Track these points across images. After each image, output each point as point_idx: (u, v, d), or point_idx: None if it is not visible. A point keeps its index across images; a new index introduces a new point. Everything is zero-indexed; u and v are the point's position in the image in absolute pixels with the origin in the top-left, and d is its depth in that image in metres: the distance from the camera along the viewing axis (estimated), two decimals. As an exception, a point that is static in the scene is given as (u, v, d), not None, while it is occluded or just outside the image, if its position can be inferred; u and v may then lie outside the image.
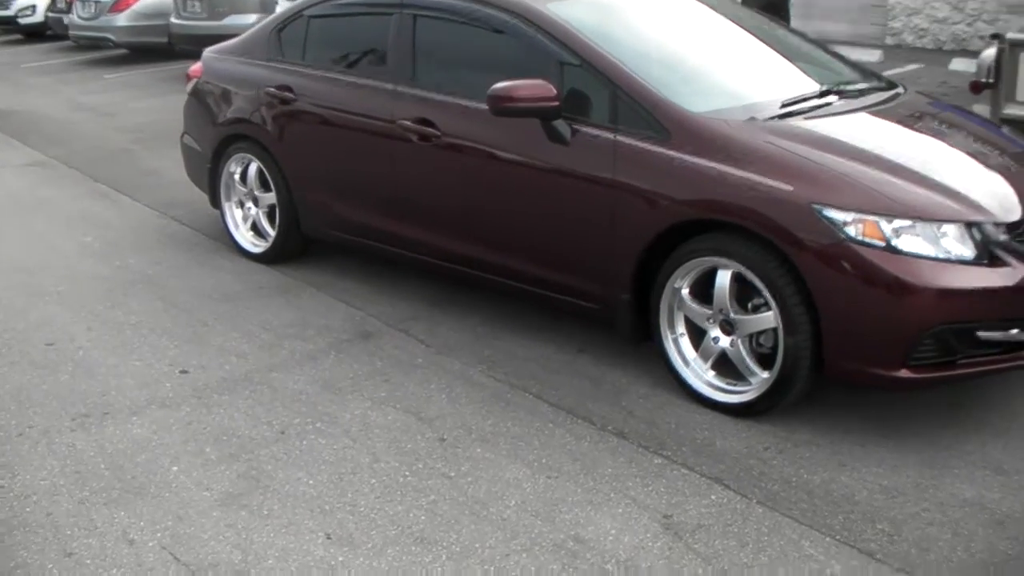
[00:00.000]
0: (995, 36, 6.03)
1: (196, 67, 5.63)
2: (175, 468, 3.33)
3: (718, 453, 3.44)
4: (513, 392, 3.90)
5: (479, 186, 4.24)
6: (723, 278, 3.58)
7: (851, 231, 3.29)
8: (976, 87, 6.02)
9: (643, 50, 4.07)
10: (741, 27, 4.61)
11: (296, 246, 5.25)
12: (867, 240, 3.29)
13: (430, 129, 4.33)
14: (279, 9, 9.24)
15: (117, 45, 12.66)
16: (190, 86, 5.64)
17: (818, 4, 12.46)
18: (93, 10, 12.48)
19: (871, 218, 3.30)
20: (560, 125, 3.92)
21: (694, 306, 3.70)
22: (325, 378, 4.01)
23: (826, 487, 3.23)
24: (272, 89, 5.01)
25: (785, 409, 3.62)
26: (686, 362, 3.79)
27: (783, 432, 3.57)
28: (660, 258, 3.75)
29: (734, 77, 4.16)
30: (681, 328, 3.79)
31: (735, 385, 3.68)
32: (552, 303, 4.21)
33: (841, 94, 4.11)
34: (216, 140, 5.38)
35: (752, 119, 3.73)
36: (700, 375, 3.76)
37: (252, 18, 10.78)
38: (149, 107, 10.06)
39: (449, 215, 4.41)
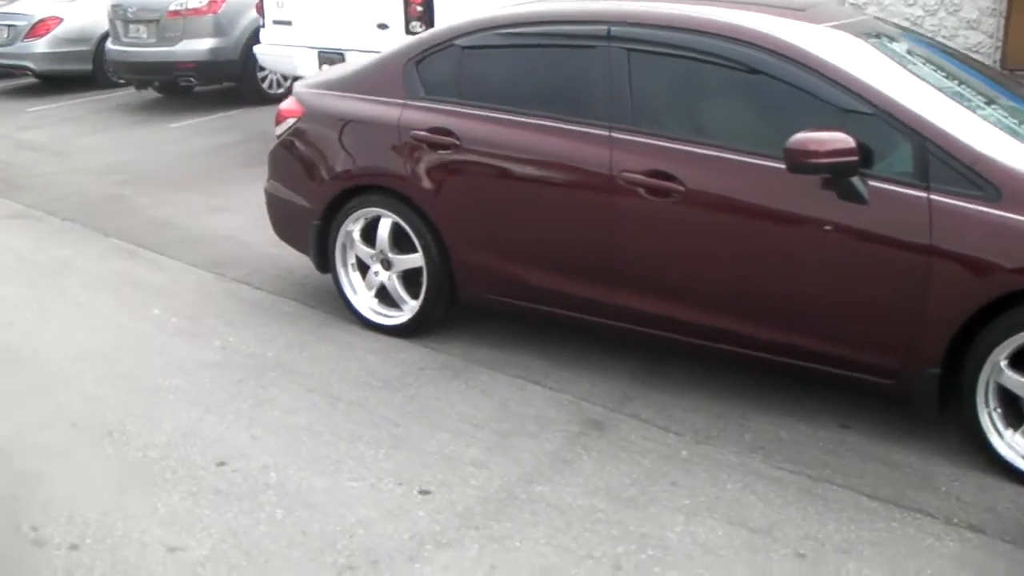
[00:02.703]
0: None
1: (291, 105, 4.75)
2: (533, 637, 2.58)
3: (1112, 546, 2.98)
4: (818, 485, 3.33)
5: (739, 249, 3.62)
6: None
7: None
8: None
9: (923, 95, 3.56)
10: (943, 63, 4.15)
11: (441, 316, 4.48)
12: None
13: (669, 183, 3.69)
14: (265, 34, 8.35)
15: (36, 75, 11.22)
16: (283, 128, 4.76)
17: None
18: (7, 35, 11.02)
19: None
20: (857, 182, 3.38)
21: (1018, 378, 3.23)
22: (601, 487, 3.31)
23: None
24: (422, 133, 4.23)
25: None
26: (1001, 436, 3.34)
27: None
28: (973, 328, 3.28)
29: (993, 119, 3.69)
30: (994, 402, 3.32)
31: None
32: (822, 377, 3.66)
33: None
34: (332, 193, 4.53)
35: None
36: (1018, 449, 3.31)
37: (209, 43, 9.77)
38: (104, 144, 8.86)
39: (689, 281, 3.77)
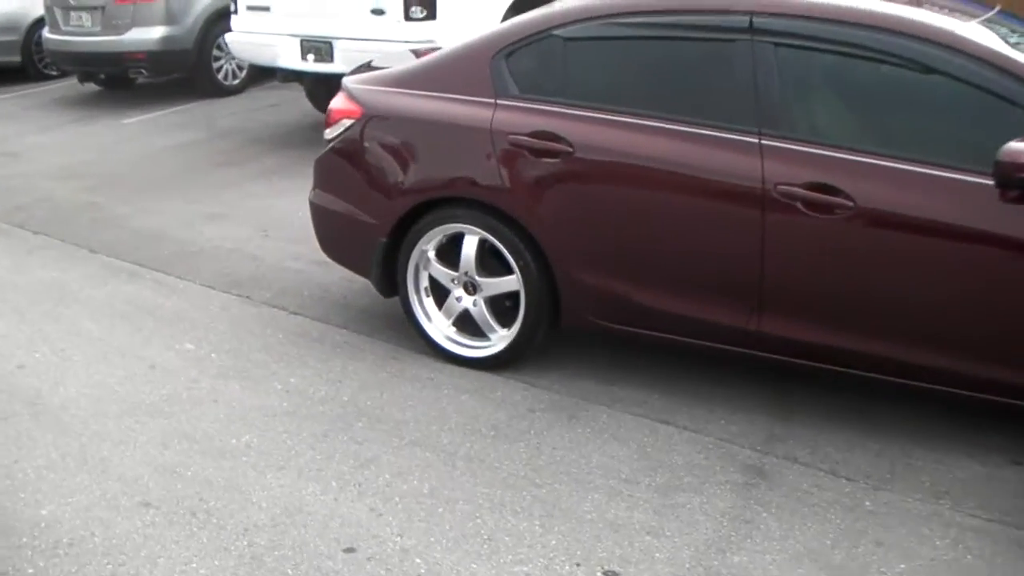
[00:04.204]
0: None
1: (346, 105, 4.10)
2: None
3: None
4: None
5: (918, 271, 3.19)
6: None
7: None
8: None
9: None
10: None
11: (538, 346, 3.93)
12: None
13: (835, 198, 3.23)
14: (238, 21, 7.57)
15: (-43, 67, 10.15)
16: (337, 131, 4.11)
17: None
18: (-76, 25, 9.92)
19: None
20: (1068, 199, 2.99)
21: None
22: (802, 552, 2.84)
23: None
24: (524, 137, 3.67)
25: None
26: None
27: None
28: None
29: None
30: None
31: None
32: (1000, 409, 3.30)
33: None
34: (404, 207, 3.93)
35: None
36: None
37: (160, 31, 8.91)
38: (55, 144, 7.97)
39: (854, 307, 3.31)
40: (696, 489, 3.18)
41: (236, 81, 9.56)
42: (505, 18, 7.20)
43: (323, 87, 7.86)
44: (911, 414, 3.60)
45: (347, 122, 4.09)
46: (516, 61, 3.79)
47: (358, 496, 3.10)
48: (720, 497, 3.14)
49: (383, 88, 4.08)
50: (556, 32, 3.73)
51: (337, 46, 7.01)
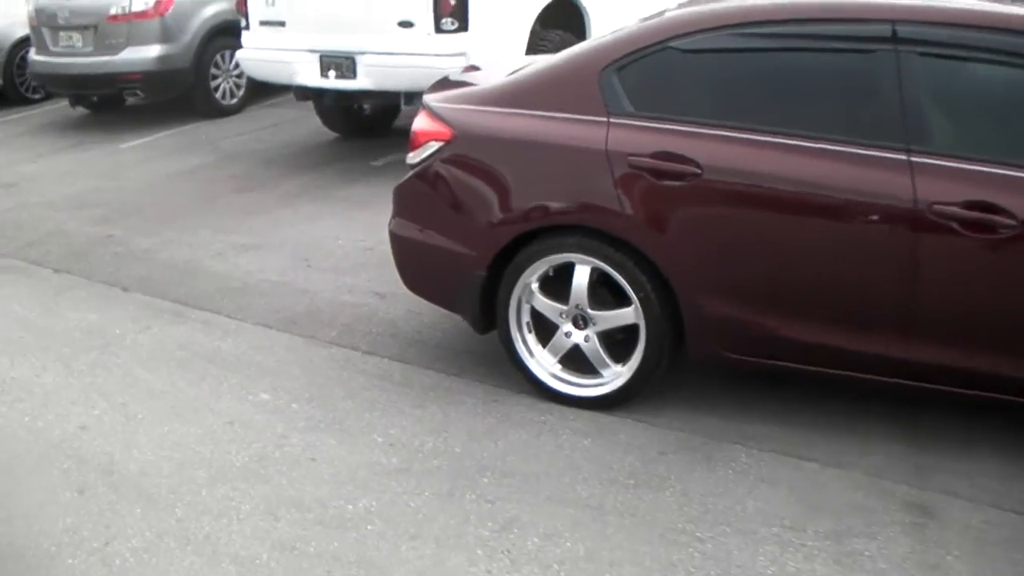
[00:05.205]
0: None
1: (432, 126, 3.75)
2: None
3: None
4: None
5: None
6: None
7: None
8: None
9: None
10: None
11: (657, 382, 3.63)
12: None
13: (996, 216, 2.97)
14: (249, 37, 7.21)
15: (-66, 90, 9.60)
16: (423, 155, 3.76)
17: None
18: None
19: None
20: None
21: None
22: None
23: None
24: (646, 159, 3.37)
25: None
26: None
27: None
28: None
29: None
30: None
31: None
32: None
33: None
34: (507, 237, 3.61)
35: None
36: None
37: (156, 50, 8.48)
38: (53, 172, 7.50)
39: (1015, 330, 3.08)
40: (867, 533, 2.91)
41: (234, 100, 9.17)
42: (533, 28, 6.91)
43: (341, 105, 7.53)
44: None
45: (434, 145, 3.76)
46: (628, 75, 3.49)
47: (512, 566, 2.78)
48: (895, 541, 2.88)
49: (474, 107, 3.76)
50: (674, 44, 3.44)
51: (361, 61, 6.66)
